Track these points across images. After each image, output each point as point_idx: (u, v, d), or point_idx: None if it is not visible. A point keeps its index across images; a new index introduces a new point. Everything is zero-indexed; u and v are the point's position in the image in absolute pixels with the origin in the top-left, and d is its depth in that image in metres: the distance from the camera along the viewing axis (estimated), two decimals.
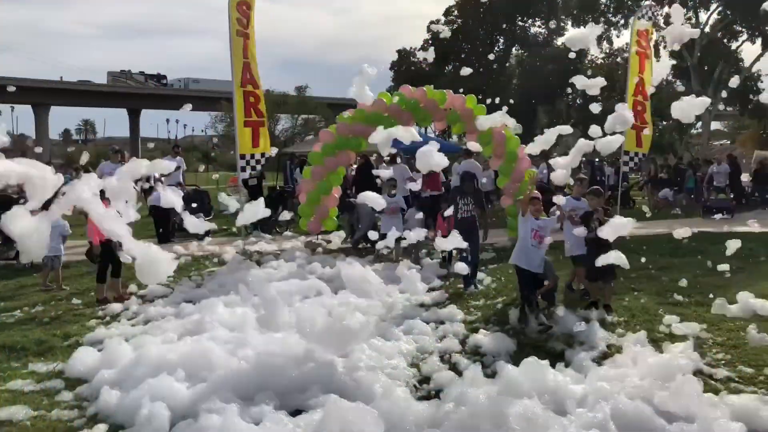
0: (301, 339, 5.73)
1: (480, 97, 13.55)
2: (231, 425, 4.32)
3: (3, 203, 11.02)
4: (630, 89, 13.74)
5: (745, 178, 21.94)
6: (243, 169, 13.02)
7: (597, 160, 23.41)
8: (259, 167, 13.40)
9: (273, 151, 14.34)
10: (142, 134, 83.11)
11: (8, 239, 10.03)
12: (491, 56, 39.45)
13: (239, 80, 12.71)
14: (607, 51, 41.72)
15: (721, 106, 34.13)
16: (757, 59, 29.16)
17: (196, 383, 5.23)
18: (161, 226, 13.92)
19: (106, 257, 8.73)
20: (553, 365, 5.72)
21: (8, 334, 7.19)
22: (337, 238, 11.28)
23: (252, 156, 13.08)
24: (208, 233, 14.13)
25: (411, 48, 44.44)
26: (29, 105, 74.83)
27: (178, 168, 15.20)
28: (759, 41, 28.49)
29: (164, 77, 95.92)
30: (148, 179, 13.53)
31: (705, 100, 6.10)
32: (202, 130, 71.31)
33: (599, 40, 35.16)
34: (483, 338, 6.61)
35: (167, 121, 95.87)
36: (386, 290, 8.74)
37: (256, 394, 5.10)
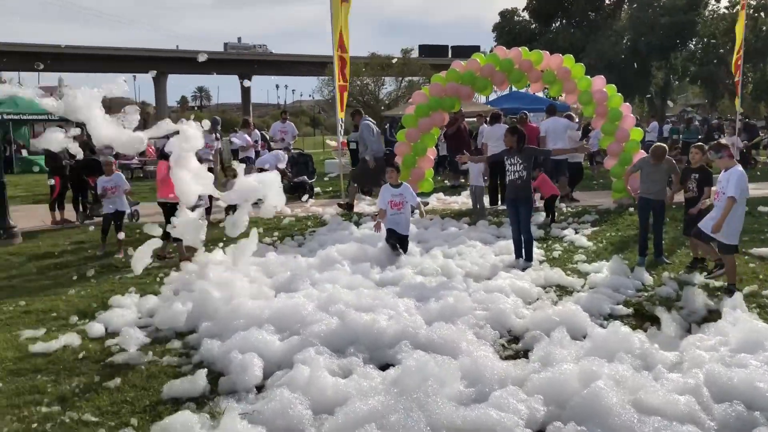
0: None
1: (581, 56, 13.09)
2: (317, 378, 4.53)
3: (89, 166, 11.95)
4: (737, 45, 12.76)
5: None
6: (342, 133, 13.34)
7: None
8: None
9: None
10: (253, 100, 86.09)
11: (98, 198, 10.90)
12: (596, 14, 37.75)
13: (337, 45, 12.92)
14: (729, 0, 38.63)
15: None
16: None
17: (287, 337, 5.51)
18: None
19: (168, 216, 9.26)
20: (645, 329, 5.62)
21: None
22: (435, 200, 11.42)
23: (342, 120, 13.40)
24: (311, 195, 14.69)
25: (513, 8, 43.38)
26: (149, 74, 79.04)
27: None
28: None
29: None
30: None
31: None
32: (310, 95, 72.90)
33: None
34: (577, 301, 6.51)
35: (276, 86, 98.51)
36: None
37: (347, 348, 5.32)
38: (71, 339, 5.91)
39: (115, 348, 5.75)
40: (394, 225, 8.65)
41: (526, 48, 12.92)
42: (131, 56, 73.84)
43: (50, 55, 68.54)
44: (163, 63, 76.42)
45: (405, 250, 8.66)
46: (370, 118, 13.09)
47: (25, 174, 24.38)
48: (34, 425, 4.36)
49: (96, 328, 6.19)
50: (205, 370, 5.00)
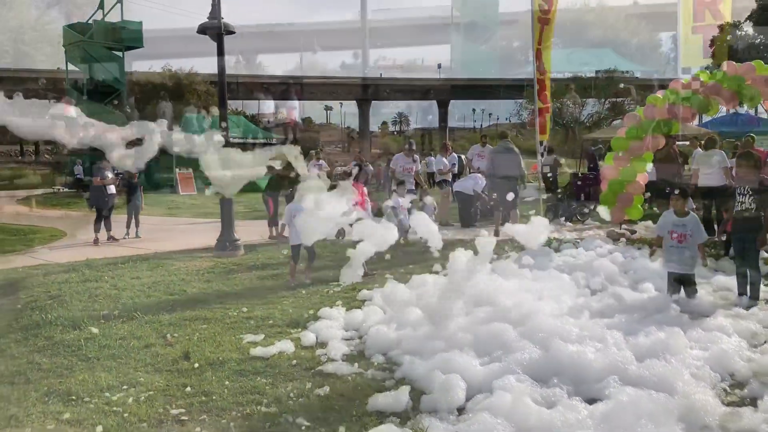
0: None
1: None
2: (521, 405, 4.44)
3: None
4: None
5: None
6: (542, 156, 13.11)
7: None
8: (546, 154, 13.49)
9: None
10: (450, 124, 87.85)
11: None
12: None
13: (537, 67, 12.79)
14: None
15: None
16: None
17: (488, 362, 5.48)
18: (464, 210, 14.71)
19: None
20: None
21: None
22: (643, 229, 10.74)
23: (540, 143, 13.16)
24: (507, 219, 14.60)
25: (736, 21, 39.90)
26: (354, 101, 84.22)
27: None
28: None
29: None
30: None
31: None
32: (507, 119, 72.60)
33: None
34: None
35: (473, 110, 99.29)
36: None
37: (550, 378, 5.16)
38: (286, 346, 6.37)
39: (323, 357, 6.11)
40: (672, 262, 7.57)
41: (761, 61, 11.73)
42: (339, 84, 79.20)
43: (272, 84, 76.08)
44: (367, 90, 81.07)
45: (691, 293, 7.44)
46: (508, 143, 12.72)
47: (245, 192, 26.88)
48: (256, 423, 4.74)
49: (308, 337, 6.62)
50: (408, 386, 5.12)
